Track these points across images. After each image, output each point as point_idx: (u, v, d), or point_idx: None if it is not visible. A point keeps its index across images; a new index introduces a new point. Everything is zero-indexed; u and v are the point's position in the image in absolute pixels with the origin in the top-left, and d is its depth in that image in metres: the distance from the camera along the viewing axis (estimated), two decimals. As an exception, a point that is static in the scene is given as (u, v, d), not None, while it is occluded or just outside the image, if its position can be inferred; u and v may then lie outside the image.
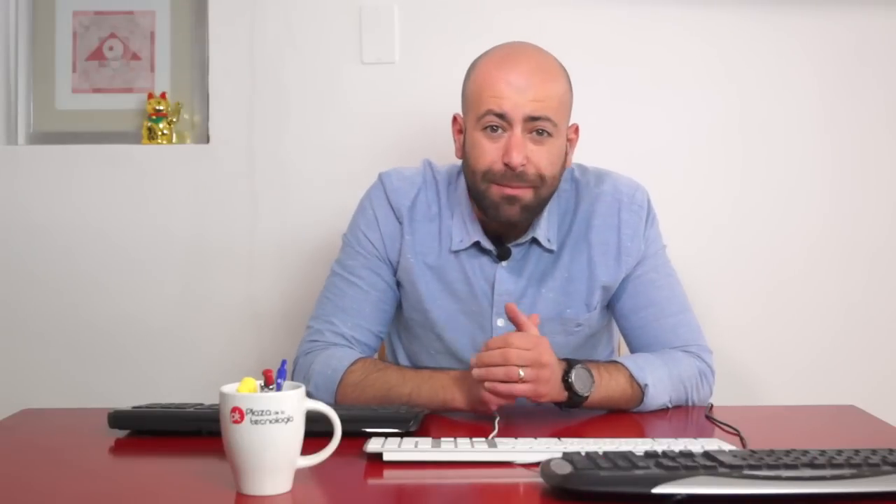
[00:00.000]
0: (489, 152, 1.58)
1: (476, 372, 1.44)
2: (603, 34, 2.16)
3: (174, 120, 2.21)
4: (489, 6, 2.14)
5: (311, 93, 2.19)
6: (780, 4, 2.15)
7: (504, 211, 1.60)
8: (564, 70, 1.64)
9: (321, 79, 2.18)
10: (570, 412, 1.52)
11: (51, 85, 2.24)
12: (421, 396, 1.53)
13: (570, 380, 1.48)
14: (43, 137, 2.25)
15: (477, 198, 1.63)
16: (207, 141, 2.21)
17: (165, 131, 2.20)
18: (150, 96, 2.20)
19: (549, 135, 1.59)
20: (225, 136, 2.20)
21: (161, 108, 2.19)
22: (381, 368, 1.62)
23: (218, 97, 2.20)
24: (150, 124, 2.20)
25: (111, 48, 2.24)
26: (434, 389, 1.53)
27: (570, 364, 1.49)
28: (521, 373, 1.42)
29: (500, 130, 1.58)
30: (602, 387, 1.51)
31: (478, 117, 1.60)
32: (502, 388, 1.43)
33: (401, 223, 1.70)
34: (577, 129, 1.69)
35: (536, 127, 1.57)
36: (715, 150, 2.18)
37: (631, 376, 1.56)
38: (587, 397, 1.50)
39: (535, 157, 1.58)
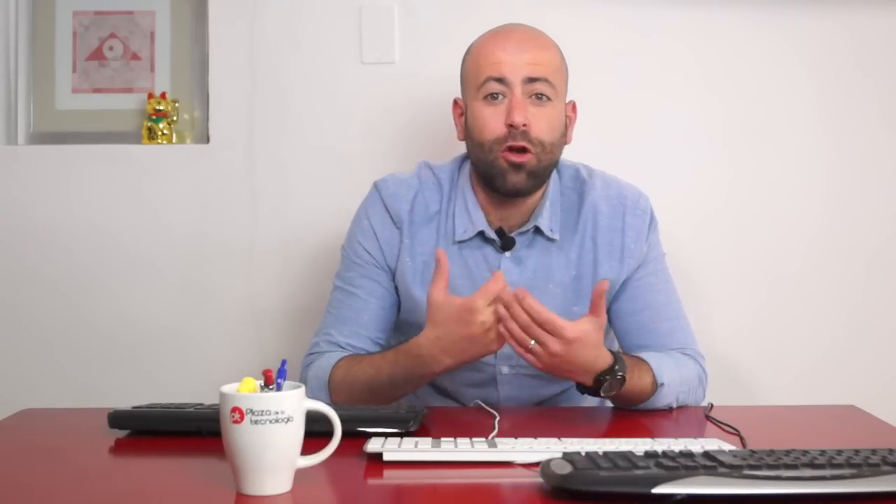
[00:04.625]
0: (492, 119, 1.62)
1: (500, 309, 1.44)
2: (602, 34, 2.16)
3: (174, 120, 2.21)
4: (489, 6, 2.14)
5: (311, 93, 2.19)
6: (778, 5, 2.14)
7: (511, 179, 1.62)
8: (556, 44, 1.69)
9: (321, 79, 2.18)
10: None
11: (51, 85, 2.24)
12: (401, 375, 1.56)
13: (602, 380, 1.48)
14: (43, 137, 2.24)
15: (483, 170, 1.65)
16: (207, 141, 2.21)
17: (165, 131, 2.20)
18: (150, 96, 2.20)
19: (549, 99, 1.63)
20: (225, 136, 2.20)
21: (161, 108, 2.19)
22: (358, 361, 1.63)
23: (218, 97, 2.20)
24: (150, 124, 2.20)
25: (111, 48, 2.24)
26: (409, 373, 1.55)
27: (609, 367, 1.48)
28: (532, 342, 1.42)
29: (500, 97, 1.62)
30: (627, 386, 1.51)
31: (478, 87, 1.64)
32: (515, 339, 1.43)
33: (399, 229, 1.71)
34: (574, 107, 1.73)
35: (535, 90, 1.62)
36: (714, 150, 2.18)
37: (652, 372, 1.56)
38: (623, 378, 1.49)
39: (534, 120, 1.61)
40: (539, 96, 1.62)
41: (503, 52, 1.63)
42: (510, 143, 1.61)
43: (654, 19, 2.15)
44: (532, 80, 1.61)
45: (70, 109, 2.24)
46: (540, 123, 1.61)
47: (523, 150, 1.61)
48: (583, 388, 1.51)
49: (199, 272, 2.21)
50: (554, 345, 1.43)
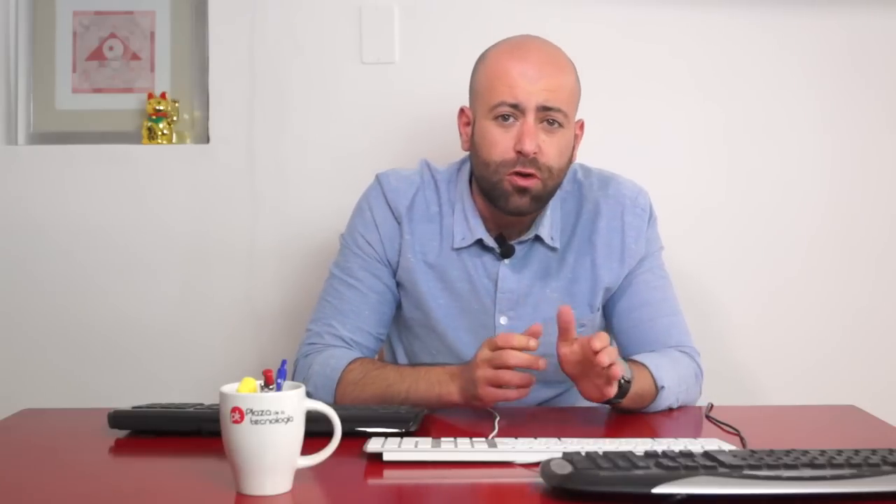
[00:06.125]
0: (502, 142, 1.60)
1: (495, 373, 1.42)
2: (603, 34, 2.16)
3: (174, 120, 2.21)
4: (489, 6, 2.14)
5: (311, 93, 2.19)
6: (778, 6, 2.14)
7: (514, 201, 1.61)
8: (573, 63, 1.66)
9: (321, 79, 2.18)
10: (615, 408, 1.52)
11: (51, 85, 2.24)
12: (418, 392, 1.53)
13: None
14: (43, 137, 2.24)
15: (487, 188, 1.64)
16: (207, 141, 2.21)
17: (165, 131, 2.20)
18: (150, 96, 2.20)
19: (560, 125, 1.61)
20: (225, 135, 2.20)
21: (161, 107, 2.19)
22: (379, 367, 1.63)
23: (218, 97, 2.20)
24: (150, 124, 2.20)
25: (111, 48, 2.24)
26: (430, 384, 1.53)
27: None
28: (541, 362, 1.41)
29: (511, 119, 1.60)
30: (632, 391, 1.50)
31: (490, 107, 1.61)
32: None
33: (399, 223, 1.70)
34: (582, 126, 1.71)
35: (548, 117, 1.59)
36: (715, 150, 2.18)
37: (652, 376, 1.55)
38: (630, 383, 1.48)
39: (545, 146, 1.59)
40: (551, 122, 1.60)
41: (520, 76, 1.59)
42: (518, 168, 1.59)
43: (652, 19, 2.15)
44: (546, 108, 1.58)
45: (70, 109, 2.24)
46: (550, 150, 1.59)
47: (530, 175, 1.59)
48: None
49: (200, 272, 2.21)
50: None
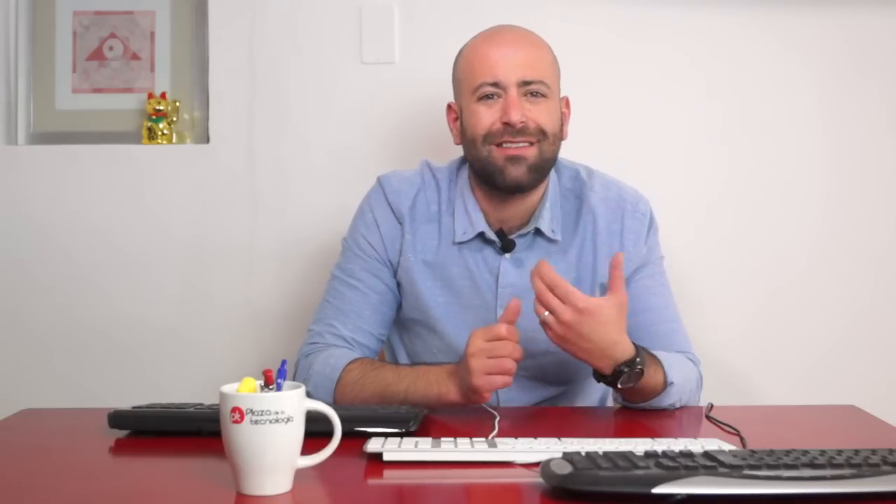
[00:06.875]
0: (487, 116, 1.63)
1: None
2: (602, 35, 2.16)
3: (174, 120, 2.21)
4: (489, 6, 2.14)
5: (311, 93, 2.19)
6: (778, 5, 2.14)
7: (510, 173, 1.62)
8: (548, 44, 1.70)
9: (321, 79, 2.18)
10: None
11: (51, 85, 2.24)
12: (416, 392, 1.54)
13: (621, 372, 1.47)
14: (43, 137, 2.25)
15: (480, 168, 1.65)
16: (207, 141, 2.21)
17: (165, 131, 2.20)
18: (150, 96, 2.20)
19: (544, 96, 1.64)
20: (225, 136, 2.20)
21: (161, 107, 2.19)
22: (377, 367, 1.63)
23: (218, 97, 2.20)
24: (150, 124, 2.20)
25: (111, 48, 2.24)
26: (429, 384, 1.53)
27: (631, 359, 1.47)
28: (546, 313, 1.44)
29: (495, 97, 1.63)
30: (642, 382, 1.50)
31: (472, 91, 1.65)
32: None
33: (401, 224, 1.71)
34: (568, 103, 1.74)
35: (530, 90, 1.63)
36: (714, 151, 2.17)
37: (663, 371, 1.55)
38: (640, 374, 1.49)
39: (533, 113, 1.62)
40: (535, 94, 1.63)
41: (499, 57, 1.63)
42: (506, 137, 1.61)
43: (653, 20, 2.15)
44: (527, 82, 1.62)
45: (70, 109, 2.25)
46: (539, 115, 1.63)
47: (525, 145, 1.61)
48: (599, 377, 1.51)
49: (199, 272, 2.21)
50: (565, 313, 1.43)
